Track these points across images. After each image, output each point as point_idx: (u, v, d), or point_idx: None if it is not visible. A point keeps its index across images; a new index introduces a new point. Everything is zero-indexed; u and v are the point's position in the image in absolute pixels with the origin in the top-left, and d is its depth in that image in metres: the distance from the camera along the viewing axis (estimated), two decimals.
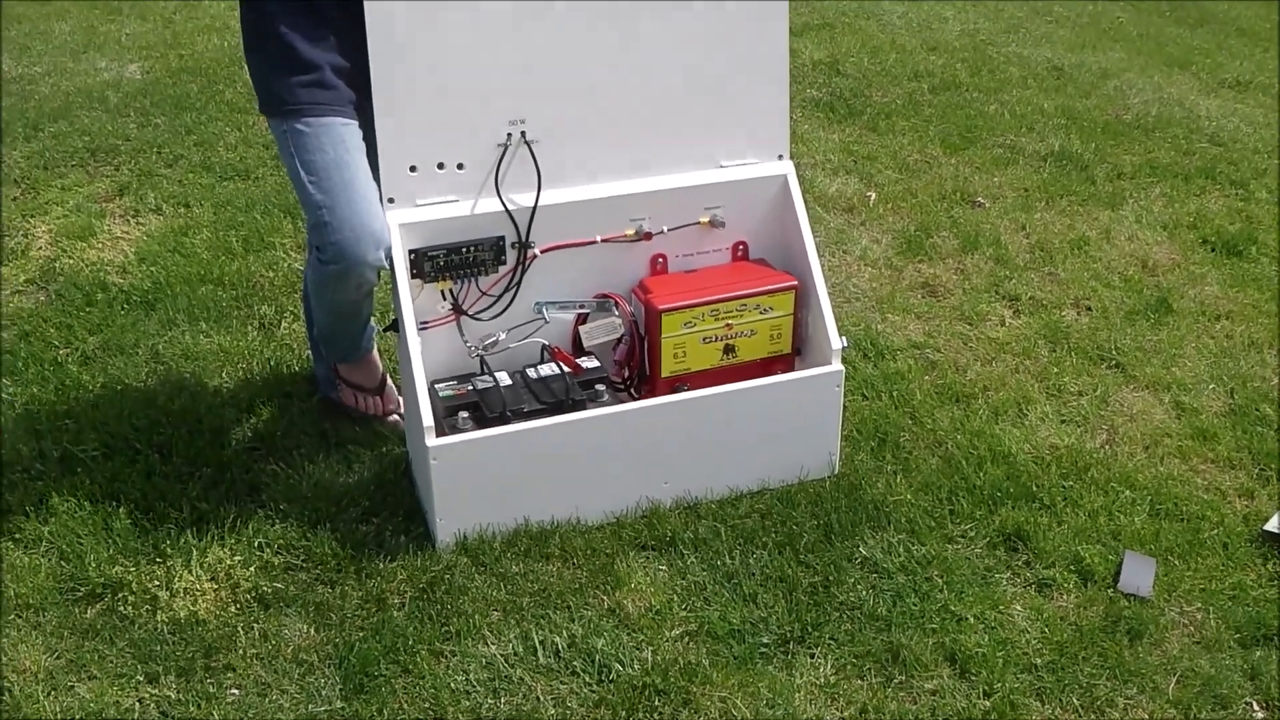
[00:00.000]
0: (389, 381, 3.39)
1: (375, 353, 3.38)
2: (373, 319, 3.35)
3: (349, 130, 2.84)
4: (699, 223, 3.15)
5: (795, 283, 3.13)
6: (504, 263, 3.01)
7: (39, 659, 2.63)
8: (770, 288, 3.11)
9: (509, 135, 2.90)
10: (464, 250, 2.95)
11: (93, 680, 2.59)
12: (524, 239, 2.98)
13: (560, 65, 2.90)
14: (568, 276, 3.09)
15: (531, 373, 3.06)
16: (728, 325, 3.10)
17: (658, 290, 3.09)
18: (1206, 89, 6.27)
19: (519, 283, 3.03)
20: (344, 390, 3.34)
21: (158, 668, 2.62)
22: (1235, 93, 6.26)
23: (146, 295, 3.92)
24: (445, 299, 3.00)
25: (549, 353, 3.10)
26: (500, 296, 3.04)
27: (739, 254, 3.22)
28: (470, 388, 3.01)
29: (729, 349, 3.13)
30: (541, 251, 3.03)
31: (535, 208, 2.96)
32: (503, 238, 2.98)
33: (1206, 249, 4.48)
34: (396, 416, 3.34)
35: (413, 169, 2.86)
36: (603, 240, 3.09)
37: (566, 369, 3.06)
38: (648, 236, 3.11)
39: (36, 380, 3.49)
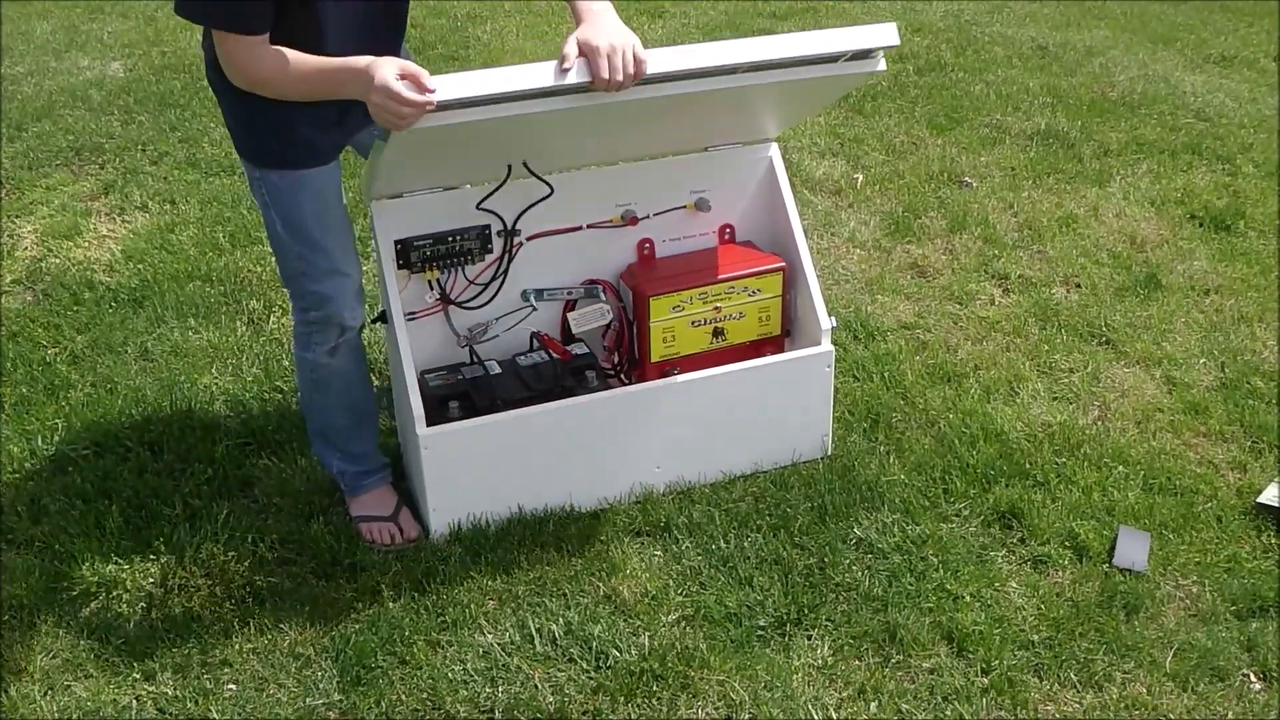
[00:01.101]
0: (405, 509, 3.02)
1: (389, 485, 3.06)
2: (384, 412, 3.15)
3: (326, 178, 2.70)
4: (685, 206, 3.14)
5: (783, 264, 3.12)
6: (490, 251, 3.00)
7: (35, 659, 2.62)
8: (758, 269, 3.11)
9: (509, 167, 2.81)
10: (450, 239, 2.94)
11: (89, 679, 2.59)
12: (510, 227, 2.97)
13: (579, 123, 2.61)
14: (555, 263, 3.08)
15: (521, 360, 3.06)
16: (716, 308, 3.09)
17: (645, 275, 3.08)
18: (1192, 65, 6.27)
19: (506, 271, 3.02)
20: (358, 525, 2.99)
21: (154, 665, 2.61)
22: (1220, 68, 6.25)
23: (134, 293, 3.90)
24: (432, 289, 2.99)
25: (538, 340, 3.09)
26: (488, 285, 3.03)
27: (726, 237, 3.22)
28: (460, 377, 3.01)
29: (718, 332, 3.12)
30: (528, 239, 3.02)
31: (533, 204, 2.93)
32: (488, 226, 2.97)
33: (1194, 224, 4.47)
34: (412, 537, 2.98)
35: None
36: (589, 226, 3.08)
37: (556, 356, 3.05)
38: (634, 221, 3.10)
39: (26, 380, 3.48)
